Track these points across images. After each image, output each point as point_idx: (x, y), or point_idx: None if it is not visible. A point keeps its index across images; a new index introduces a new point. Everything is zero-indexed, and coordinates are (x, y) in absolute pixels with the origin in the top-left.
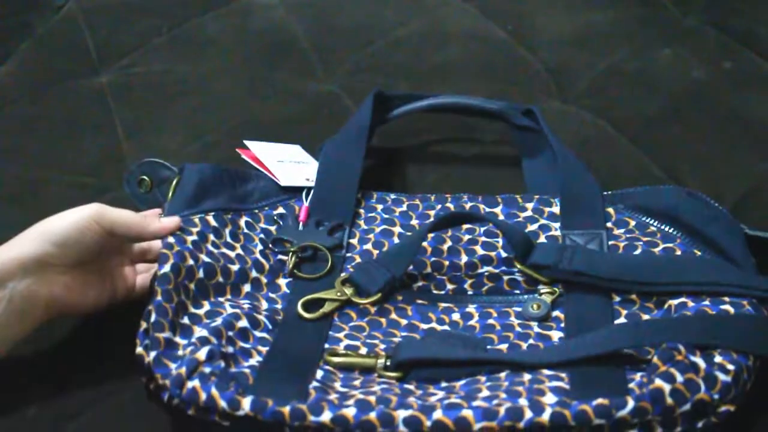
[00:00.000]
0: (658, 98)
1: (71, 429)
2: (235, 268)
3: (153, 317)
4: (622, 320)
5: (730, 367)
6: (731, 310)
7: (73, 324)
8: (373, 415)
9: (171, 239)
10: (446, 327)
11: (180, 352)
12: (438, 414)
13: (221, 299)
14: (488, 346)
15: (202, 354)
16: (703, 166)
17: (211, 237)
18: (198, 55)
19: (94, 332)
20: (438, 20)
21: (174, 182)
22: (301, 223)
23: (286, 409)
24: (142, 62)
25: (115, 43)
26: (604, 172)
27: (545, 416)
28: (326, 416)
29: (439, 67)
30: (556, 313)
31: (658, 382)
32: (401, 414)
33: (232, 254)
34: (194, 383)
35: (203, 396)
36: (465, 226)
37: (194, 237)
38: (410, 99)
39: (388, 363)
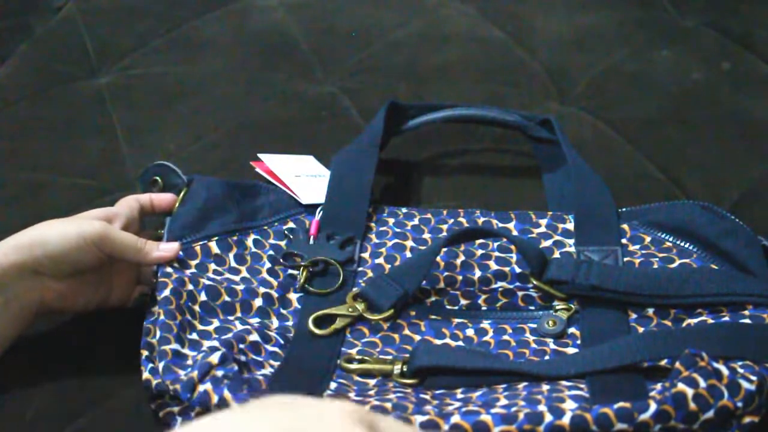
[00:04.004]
0: (656, 99)
1: (69, 431)
2: (240, 288)
3: (158, 335)
4: None
5: (753, 377)
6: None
7: (72, 325)
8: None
9: (169, 269)
10: (460, 342)
11: (189, 362)
12: (456, 418)
13: (231, 317)
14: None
15: (214, 358)
16: (701, 167)
17: (212, 266)
18: (197, 57)
19: (94, 334)
20: (437, 22)
21: (181, 194)
22: (311, 237)
23: None
24: (141, 64)
25: (114, 44)
26: (603, 174)
27: (566, 419)
28: None
29: (438, 69)
30: (571, 329)
31: (681, 386)
32: (418, 419)
33: (236, 278)
34: (206, 386)
35: (215, 398)
36: (478, 241)
37: (193, 270)
38: (425, 110)
39: (405, 369)
